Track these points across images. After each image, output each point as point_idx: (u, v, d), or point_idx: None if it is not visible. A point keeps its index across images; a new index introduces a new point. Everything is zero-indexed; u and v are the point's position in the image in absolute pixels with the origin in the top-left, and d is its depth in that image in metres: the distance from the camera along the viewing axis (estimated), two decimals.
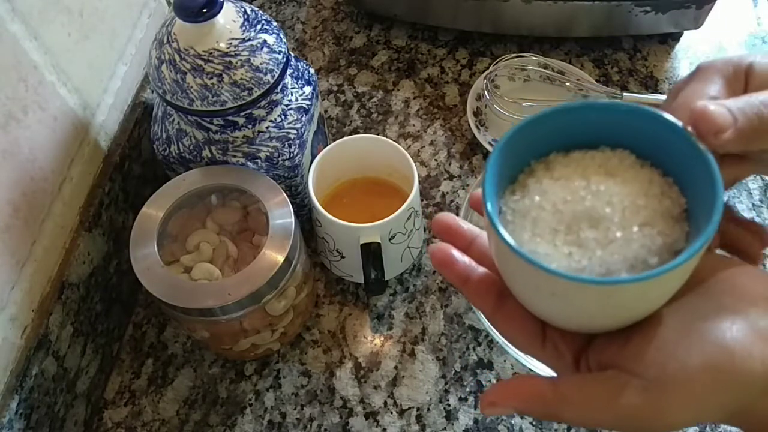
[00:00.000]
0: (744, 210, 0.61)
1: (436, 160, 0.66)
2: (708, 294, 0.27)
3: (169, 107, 0.51)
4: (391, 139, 0.55)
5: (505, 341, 0.48)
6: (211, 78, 0.45)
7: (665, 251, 0.26)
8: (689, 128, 0.27)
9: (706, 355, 0.25)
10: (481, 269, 0.31)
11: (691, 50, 0.72)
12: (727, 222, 0.29)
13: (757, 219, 0.60)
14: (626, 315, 0.27)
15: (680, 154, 0.27)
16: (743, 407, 0.26)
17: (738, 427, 0.28)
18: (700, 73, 0.29)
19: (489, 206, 0.27)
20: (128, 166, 0.56)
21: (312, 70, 0.55)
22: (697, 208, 0.27)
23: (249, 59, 0.46)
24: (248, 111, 0.48)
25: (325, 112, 0.69)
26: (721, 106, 0.26)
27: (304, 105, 0.52)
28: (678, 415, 0.26)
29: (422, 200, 0.63)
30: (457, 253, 0.31)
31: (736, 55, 0.29)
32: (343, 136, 0.56)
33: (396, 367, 0.54)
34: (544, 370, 0.47)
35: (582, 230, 0.27)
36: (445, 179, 0.64)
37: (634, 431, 0.28)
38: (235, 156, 0.50)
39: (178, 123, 0.51)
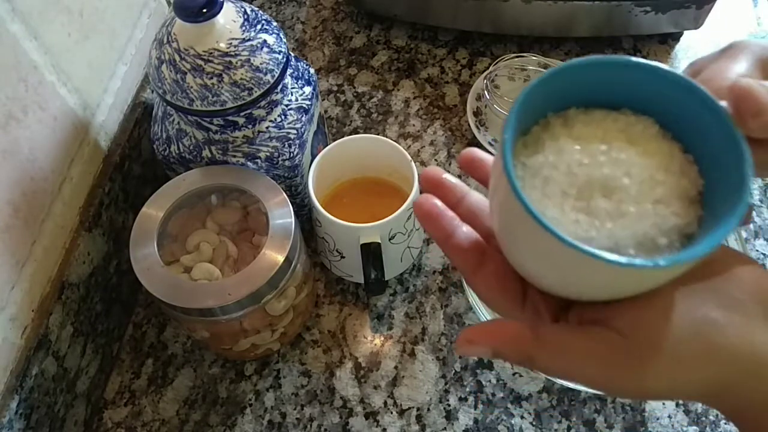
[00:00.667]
0: None
1: (436, 160, 0.66)
2: (712, 280, 0.26)
3: (169, 107, 0.51)
4: (391, 139, 0.55)
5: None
6: (211, 78, 0.45)
7: (675, 233, 0.25)
8: (726, 106, 0.25)
9: (696, 326, 0.25)
10: (466, 227, 0.30)
11: (692, 50, 0.72)
12: None
13: (757, 219, 0.61)
14: (627, 292, 0.26)
15: (709, 132, 0.25)
16: (724, 387, 0.26)
17: (716, 408, 0.28)
18: (732, 49, 0.28)
19: (508, 161, 0.25)
20: (128, 166, 0.56)
21: (312, 70, 0.55)
22: (715, 191, 0.25)
23: (249, 59, 0.46)
24: (248, 111, 0.48)
25: (325, 112, 0.69)
26: (761, 85, 0.24)
27: (304, 105, 0.52)
28: (655, 381, 0.25)
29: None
30: (442, 207, 0.30)
31: None
32: (343, 136, 0.56)
33: (396, 367, 0.54)
34: None
35: (594, 198, 0.25)
36: None
37: (605, 390, 0.27)
38: (235, 156, 0.50)
39: (178, 123, 0.51)
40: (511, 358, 0.28)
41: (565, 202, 0.26)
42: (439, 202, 0.30)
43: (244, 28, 0.47)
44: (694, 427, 0.50)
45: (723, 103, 0.25)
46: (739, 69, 0.27)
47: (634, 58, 0.27)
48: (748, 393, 0.26)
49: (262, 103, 0.48)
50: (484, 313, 0.48)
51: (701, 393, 0.26)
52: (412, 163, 0.53)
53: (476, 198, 0.31)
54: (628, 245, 0.25)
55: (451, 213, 0.30)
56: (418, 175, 0.53)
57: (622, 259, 0.23)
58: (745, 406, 0.26)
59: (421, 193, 0.57)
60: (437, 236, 0.30)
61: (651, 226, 0.25)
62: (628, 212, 0.25)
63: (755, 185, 0.62)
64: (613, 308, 0.26)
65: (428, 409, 0.52)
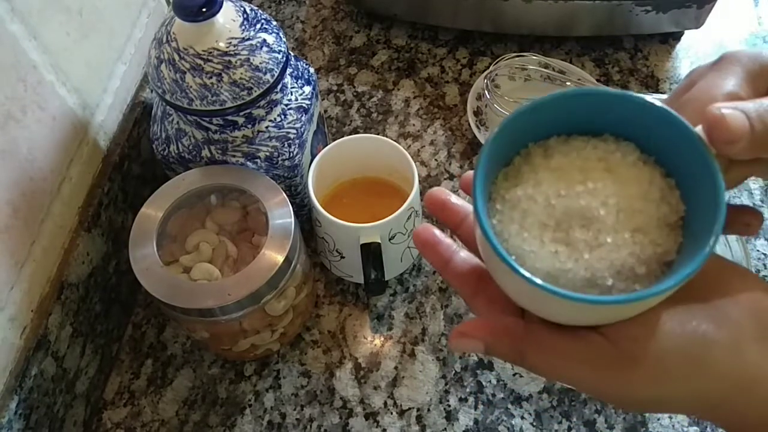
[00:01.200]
0: None
1: (436, 159, 0.65)
2: (708, 296, 0.27)
3: (168, 107, 0.51)
4: (391, 139, 0.55)
5: None
6: (211, 77, 0.45)
7: (654, 261, 0.26)
8: (700, 132, 0.25)
9: (685, 340, 0.25)
10: (464, 252, 0.31)
11: (692, 50, 0.72)
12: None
13: None
14: (608, 320, 0.27)
15: (687, 157, 0.26)
16: (717, 401, 0.26)
17: (713, 422, 0.28)
18: (722, 63, 0.28)
19: (479, 201, 0.26)
20: (127, 165, 0.56)
21: (312, 70, 0.55)
22: (695, 217, 0.26)
23: (248, 59, 0.46)
24: (248, 110, 0.48)
25: (325, 111, 0.69)
26: (737, 111, 0.24)
27: (303, 105, 0.52)
28: (643, 390, 0.26)
29: (422, 200, 0.62)
30: (439, 234, 0.31)
31: (766, 50, 0.28)
32: (343, 136, 0.56)
33: (396, 368, 0.54)
34: None
35: (573, 229, 0.26)
36: (445, 179, 0.64)
37: (595, 394, 0.28)
38: (234, 156, 0.50)
39: (178, 123, 0.51)
40: (503, 353, 0.28)
41: (544, 234, 0.26)
42: (437, 231, 0.31)
43: (243, 27, 0.46)
44: (695, 428, 0.50)
45: (699, 129, 0.25)
46: (727, 85, 0.27)
47: (610, 90, 0.27)
48: (742, 408, 0.26)
49: (262, 103, 0.48)
50: None
51: (694, 407, 0.27)
52: (412, 163, 0.52)
53: None
54: (606, 275, 0.25)
55: (448, 240, 0.31)
56: (419, 175, 0.53)
57: (584, 296, 0.24)
58: (741, 422, 0.26)
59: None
60: (436, 264, 0.31)
61: (629, 255, 0.25)
62: (605, 242, 0.25)
63: (756, 185, 0.62)
64: None
65: (428, 410, 0.52)
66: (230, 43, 0.46)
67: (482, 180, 0.26)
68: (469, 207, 0.32)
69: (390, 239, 0.52)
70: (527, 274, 0.24)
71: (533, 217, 0.26)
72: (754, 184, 0.62)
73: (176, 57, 0.45)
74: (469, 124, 0.65)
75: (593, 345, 0.26)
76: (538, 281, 0.24)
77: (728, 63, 0.28)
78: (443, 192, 0.32)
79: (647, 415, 0.51)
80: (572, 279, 0.25)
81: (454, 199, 0.32)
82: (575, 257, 0.26)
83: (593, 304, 0.24)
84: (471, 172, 0.31)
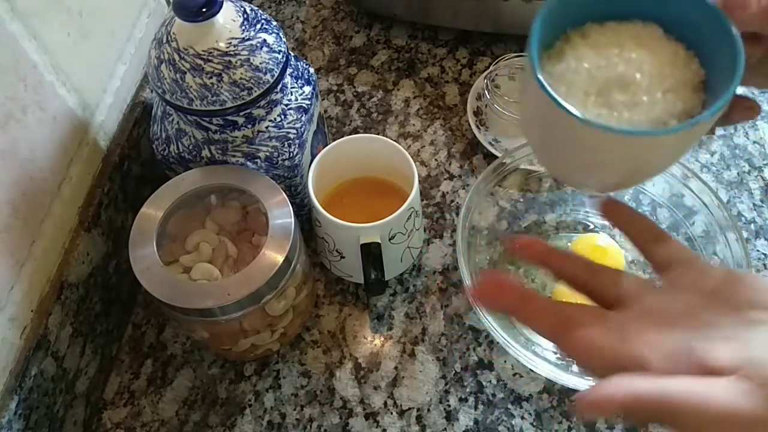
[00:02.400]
0: (745, 210, 0.61)
1: (436, 159, 0.65)
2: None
3: (168, 107, 0.51)
4: (391, 139, 0.55)
5: (506, 341, 0.48)
6: (211, 77, 0.45)
7: (684, 115, 0.30)
8: (716, 2, 0.30)
9: None
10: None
11: None
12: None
13: (758, 219, 0.60)
14: (642, 168, 0.31)
15: (706, 28, 0.30)
16: None
17: None
18: None
19: (535, 60, 0.29)
20: (127, 165, 0.56)
21: (312, 70, 0.55)
22: (715, 79, 0.30)
23: (248, 59, 0.46)
24: (248, 111, 0.48)
25: (325, 111, 0.69)
26: None
27: (303, 105, 0.52)
28: None
29: (422, 200, 0.63)
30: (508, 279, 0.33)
31: None
32: (343, 136, 0.56)
33: (396, 368, 0.54)
34: (543, 371, 0.47)
35: (612, 94, 0.30)
36: (445, 179, 0.64)
37: None
38: (234, 156, 0.50)
39: (178, 123, 0.51)
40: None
41: (588, 101, 0.30)
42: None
43: (243, 27, 0.46)
44: None
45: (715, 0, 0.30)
46: None
47: None
48: None
49: (262, 103, 0.48)
50: (485, 314, 0.48)
51: None
52: (412, 163, 0.52)
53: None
54: (644, 127, 0.29)
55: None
56: (419, 175, 0.53)
57: (635, 129, 0.29)
58: None
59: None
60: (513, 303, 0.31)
61: (662, 111, 0.30)
62: (642, 101, 0.30)
63: (756, 185, 0.62)
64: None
65: (428, 410, 0.52)
66: (230, 43, 0.46)
67: (537, 38, 0.30)
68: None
69: (390, 239, 0.52)
70: (578, 113, 0.28)
71: (577, 87, 0.30)
72: (754, 184, 0.62)
73: (176, 57, 0.45)
74: (469, 124, 0.65)
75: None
76: (591, 119, 0.28)
77: None
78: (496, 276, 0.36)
79: None
80: None
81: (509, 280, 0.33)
82: (616, 116, 0.30)
83: (645, 135, 0.29)
84: (526, 237, 0.35)
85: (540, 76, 0.29)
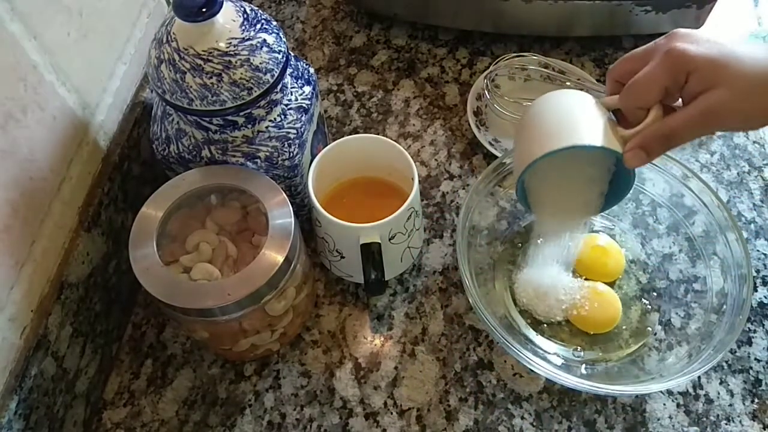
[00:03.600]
0: (745, 210, 0.61)
1: (436, 159, 0.65)
2: None
3: (168, 107, 0.51)
4: (391, 139, 0.55)
5: (506, 342, 0.48)
6: (211, 77, 0.45)
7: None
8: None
9: None
10: None
11: None
12: None
13: (758, 219, 0.60)
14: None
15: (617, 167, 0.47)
16: None
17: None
18: (663, 57, 0.41)
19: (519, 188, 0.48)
20: (127, 165, 0.56)
21: (312, 70, 0.55)
22: (618, 172, 0.48)
23: (248, 59, 0.46)
24: (248, 110, 0.48)
25: (325, 111, 0.69)
26: (639, 150, 0.43)
27: (303, 105, 0.52)
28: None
29: (422, 200, 0.63)
30: None
31: (702, 51, 0.39)
32: (343, 136, 0.56)
33: (396, 368, 0.54)
34: (543, 371, 0.47)
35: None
36: (445, 179, 0.64)
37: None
38: (234, 156, 0.50)
39: (178, 123, 0.51)
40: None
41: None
42: None
43: (243, 27, 0.46)
44: (695, 428, 0.50)
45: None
46: (662, 83, 0.42)
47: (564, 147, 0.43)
48: None
49: (262, 103, 0.48)
50: (485, 314, 0.48)
51: None
52: (412, 163, 0.52)
53: None
54: None
55: None
56: (418, 175, 0.53)
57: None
58: None
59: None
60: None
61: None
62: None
63: (756, 185, 0.62)
64: None
65: (428, 410, 0.52)
66: (230, 43, 0.46)
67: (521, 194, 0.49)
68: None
69: (390, 239, 0.52)
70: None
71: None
72: (754, 184, 0.62)
73: (176, 57, 0.45)
74: (469, 124, 0.65)
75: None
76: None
77: (664, 61, 0.41)
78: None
79: (647, 414, 0.51)
80: None
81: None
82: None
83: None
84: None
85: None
